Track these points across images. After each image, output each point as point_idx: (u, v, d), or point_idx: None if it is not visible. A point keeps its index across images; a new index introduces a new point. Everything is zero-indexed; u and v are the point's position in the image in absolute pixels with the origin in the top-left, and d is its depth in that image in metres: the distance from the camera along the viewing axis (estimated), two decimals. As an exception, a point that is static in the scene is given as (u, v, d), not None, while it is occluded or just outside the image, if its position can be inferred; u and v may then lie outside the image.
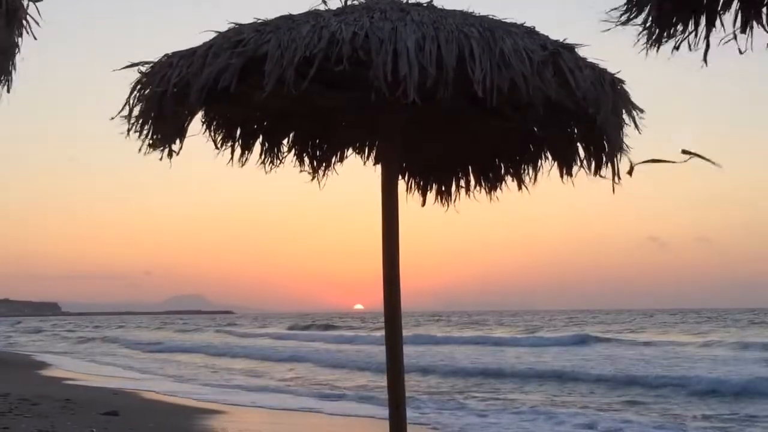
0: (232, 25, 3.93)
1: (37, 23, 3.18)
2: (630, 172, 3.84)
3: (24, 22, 3.15)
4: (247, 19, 3.96)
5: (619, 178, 4.08)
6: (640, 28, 4.39)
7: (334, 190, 5.43)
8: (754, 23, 3.94)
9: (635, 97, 4.08)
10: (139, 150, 4.07)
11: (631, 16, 4.32)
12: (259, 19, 3.92)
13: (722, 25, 4.04)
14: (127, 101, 4.01)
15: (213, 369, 24.52)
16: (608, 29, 4.32)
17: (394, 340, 4.36)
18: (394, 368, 4.36)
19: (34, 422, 9.76)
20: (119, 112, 4.03)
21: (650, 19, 4.29)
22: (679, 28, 4.26)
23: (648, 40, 4.28)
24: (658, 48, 4.22)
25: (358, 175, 5.26)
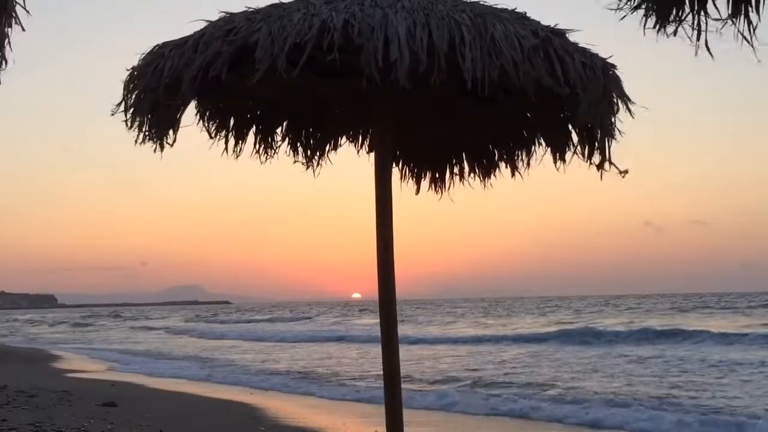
0: (223, 14, 3.93)
1: (27, 11, 3.17)
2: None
3: (14, 12, 3.15)
4: (237, 8, 3.97)
5: (610, 164, 4.09)
6: (640, 13, 4.39)
7: (333, 178, 5.44)
8: (745, 8, 3.94)
9: (629, 83, 4.09)
10: (136, 142, 4.08)
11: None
12: (249, 8, 3.92)
13: (717, 9, 4.05)
14: (124, 94, 4.03)
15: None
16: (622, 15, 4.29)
17: (388, 324, 4.38)
18: (389, 353, 4.38)
19: (31, 414, 9.78)
20: (118, 106, 4.04)
21: (647, 3, 4.29)
22: (675, 12, 4.25)
23: (645, 22, 4.27)
24: (657, 29, 4.22)
25: (355, 163, 5.26)
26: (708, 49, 4.05)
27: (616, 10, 4.31)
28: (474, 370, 18.30)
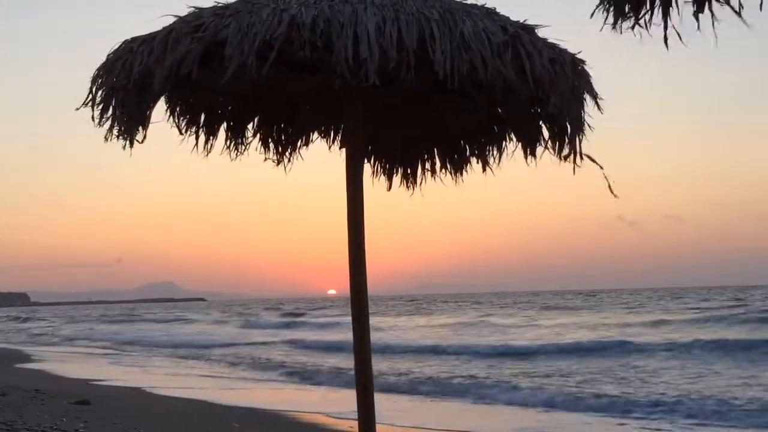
0: (192, 9, 3.90)
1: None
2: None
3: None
4: (206, 2, 3.94)
5: (581, 158, 4.12)
6: (602, 9, 4.43)
7: (308, 173, 5.41)
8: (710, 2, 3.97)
9: (599, 79, 4.12)
10: (106, 139, 4.04)
11: None
12: (219, 3, 3.89)
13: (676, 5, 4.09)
14: (90, 90, 3.98)
15: None
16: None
17: (360, 322, 4.38)
18: (362, 351, 4.38)
19: (3, 413, 9.67)
20: (84, 102, 4.00)
21: None
22: (642, 9, 4.28)
23: (606, 18, 4.31)
24: (614, 26, 4.26)
25: (329, 158, 5.24)
26: (665, 43, 4.09)
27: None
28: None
